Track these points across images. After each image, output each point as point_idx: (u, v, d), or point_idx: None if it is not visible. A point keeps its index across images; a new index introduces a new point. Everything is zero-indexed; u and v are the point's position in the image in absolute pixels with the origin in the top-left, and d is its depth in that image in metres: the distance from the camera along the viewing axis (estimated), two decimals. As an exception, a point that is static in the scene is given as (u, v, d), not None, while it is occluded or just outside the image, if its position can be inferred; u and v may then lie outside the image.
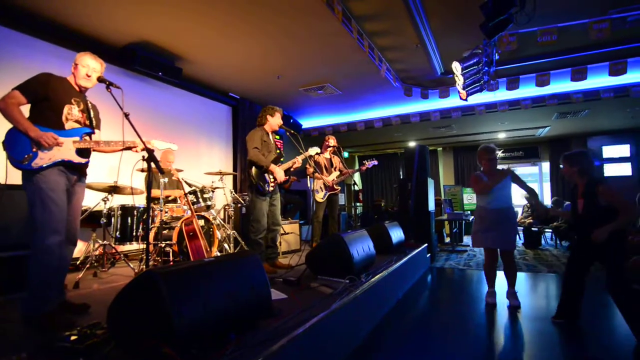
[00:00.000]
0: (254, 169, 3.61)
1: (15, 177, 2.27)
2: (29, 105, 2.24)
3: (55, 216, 2.15)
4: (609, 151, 9.64)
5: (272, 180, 3.69)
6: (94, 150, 2.42)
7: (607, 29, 3.75)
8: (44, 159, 2.19)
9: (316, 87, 6.38)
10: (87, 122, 2.45)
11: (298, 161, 3.83)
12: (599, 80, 6.01)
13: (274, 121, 3.80)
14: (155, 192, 3.68)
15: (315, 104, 7.47)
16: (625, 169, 9.43)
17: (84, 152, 2.36)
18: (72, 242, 2.41)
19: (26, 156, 2.14)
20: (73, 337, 1.64)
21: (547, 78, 5.32)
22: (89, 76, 2.40)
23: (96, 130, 2.51)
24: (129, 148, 2.47)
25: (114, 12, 3.91)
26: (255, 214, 3.60)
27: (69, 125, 2.32)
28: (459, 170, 11.64)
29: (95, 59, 2.44)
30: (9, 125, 2.16)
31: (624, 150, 9.49)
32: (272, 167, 3.65)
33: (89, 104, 2.51)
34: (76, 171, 2.37)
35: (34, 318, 2.05)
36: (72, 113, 2.35)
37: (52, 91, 2.27)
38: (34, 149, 2.16)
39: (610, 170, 9.59)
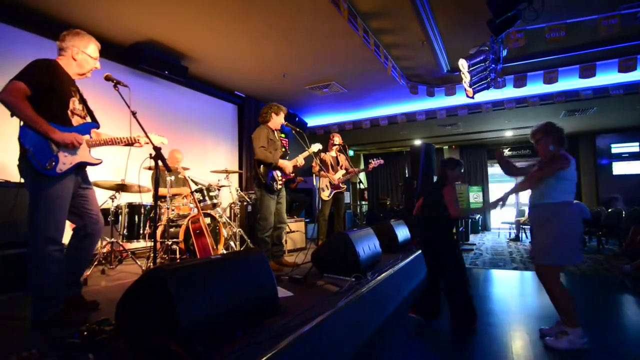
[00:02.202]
0: (262, 167, 3.62)
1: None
2: None
3: (58, 225, 1.99)
4: (617, 149, 9.51)
5: (280, 177, 3.70)
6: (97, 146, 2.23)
7: (617, 25, 3.68)
8: (65, 163, 1.97)
9: (322, 85, 6.36)
10: (86, 115, 2.21)
11: (301, 160, 3.84)
12: (608, 77, 5.93)
13: (279, 119, 3.81)
14: (162, 191, 3.70)
15: (320, 102, 7.46)
16: (635, 167, 9.29)
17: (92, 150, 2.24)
18: (96, 235, 2.24)
19: (50, 160, 1.91)
20: (82, 334, 1.66)
21: (555, 75, 5.25)
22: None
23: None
24: (132, 143, 2.34)
25: (120, 11, 3.93)
26: (262, 212, 3.61)
27: (75, 120, 2.10)
28: (466, 169, 11.55)
29: (97, 44, 2.22)
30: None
31: (633, 147, 9.36)
32: (281, 162, 3.67)
33: (80, 92, 2.23)
34: (83, 171, 2.21)
35: (42, 321, 1.94)
36: (75, 107, 2.11)
37: (57, 82, 2.01)
38: (55, 152, 1.93)
39: (619, 168, 9.45)
